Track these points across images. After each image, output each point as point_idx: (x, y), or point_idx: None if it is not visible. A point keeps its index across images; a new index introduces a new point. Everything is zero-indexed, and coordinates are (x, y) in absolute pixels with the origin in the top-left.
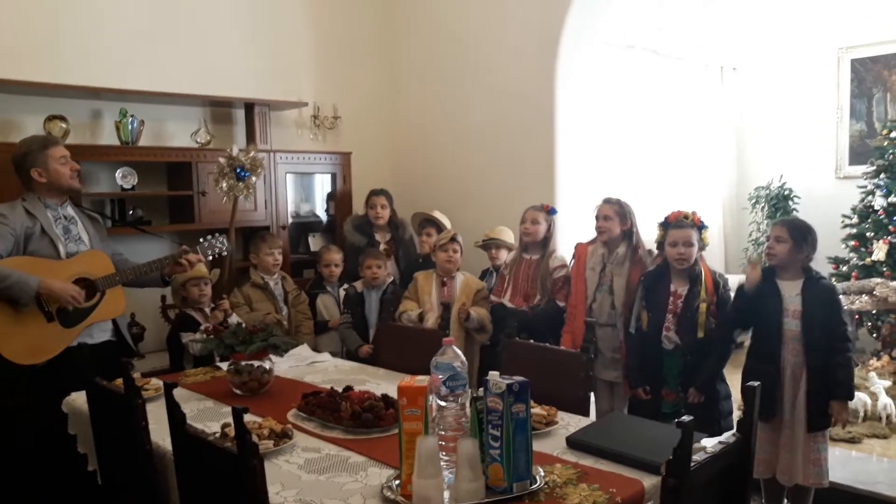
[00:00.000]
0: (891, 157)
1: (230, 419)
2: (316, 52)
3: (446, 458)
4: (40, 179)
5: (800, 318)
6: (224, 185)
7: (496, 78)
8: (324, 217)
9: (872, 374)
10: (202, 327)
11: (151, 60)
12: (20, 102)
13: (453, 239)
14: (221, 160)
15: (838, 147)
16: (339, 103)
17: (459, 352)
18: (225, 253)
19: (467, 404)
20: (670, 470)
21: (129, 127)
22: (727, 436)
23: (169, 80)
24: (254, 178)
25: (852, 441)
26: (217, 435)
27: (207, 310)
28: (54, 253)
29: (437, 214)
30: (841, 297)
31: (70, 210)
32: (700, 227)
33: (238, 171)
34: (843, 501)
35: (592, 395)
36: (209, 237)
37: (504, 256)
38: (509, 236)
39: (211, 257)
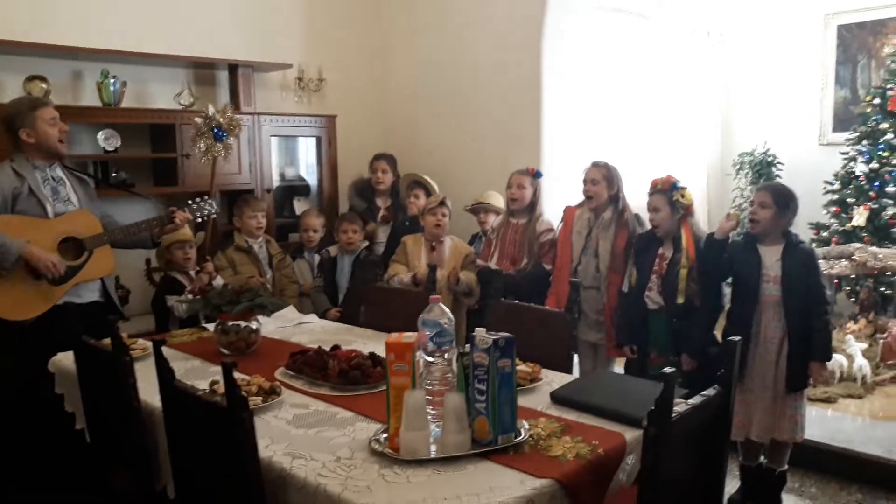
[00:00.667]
0: (873, 123)
1: (218, 377)
2: (301, 13)
3: (433, 412)
4: (28, 140)
5: (780, 284)
6: (202, 144)
7: (484, 41)
8: (313, 182)
9: (850, 336)
10: (187, 289)
11: (133, 20)
12: None
13: (442, 203)
14: (198, 120)
15: (822, 114)
16: (324, 66)
17: (446, 309)
18: (214, 216)
19: (454, 360)
20: (652, 419)
21: (111, 88)
22: (708, 390)
23: (151, 41)
24: (231, 139)
25: (828, 401)
26: (206, 391)
27: (192, 273)
28: (42, 213)
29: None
30: (821, 261)
31: (59, 171)
32: (671, 189)
33: (215, 130)
34: (818, 458)
35: (576, 356)
36: (198, 199)
37: (492, 220)
38: (498, 200)
39: (199, 219)
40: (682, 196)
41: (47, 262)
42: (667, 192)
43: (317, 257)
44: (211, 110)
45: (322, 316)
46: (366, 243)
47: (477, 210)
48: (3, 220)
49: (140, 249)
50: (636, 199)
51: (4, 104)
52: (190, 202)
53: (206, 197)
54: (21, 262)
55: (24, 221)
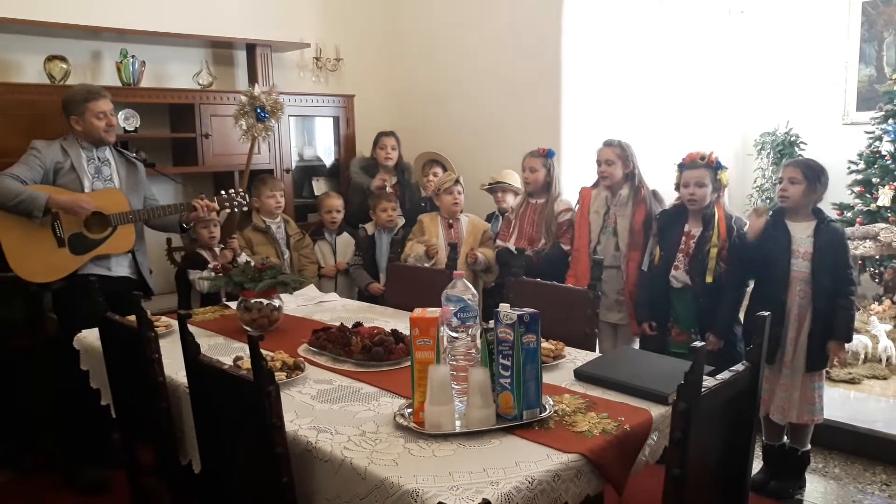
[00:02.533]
0: None
1: (241, 353)
2: None
3: (457, 387)
4: (77, 127)
5: (810, 260)
6: (244, 123)
7: (502, 18)
8: (330, 162)
9: (874, 317)
10: (210, 265)
11: (152, 0)
12: (20, 42)
13: (457, 181)
14: (243, 98)
15: (846, 92)
16: (341, 45)
17: (470, 284)
18: (245, 208)
19: (477, 336)
20: (681, 394)
21: (131, 68)
22: (737, 366)
23: (170, 21)
24: (273, 122)
25: (852, 382)
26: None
27: (217, 249)
28: (79, 188)
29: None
30: None
31: (107, 153)
32: (716, 167)
33: (259, 111)
34: (842, 438)
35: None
36: (231, 191)
37: (510, 200)
38: (515, 180)
39: (228, 210)
40: (724, 175)
41: (78, 203)
42: (713, 168)
43: (338, 239)
44: (257, 90)
45: (364, 289)
46: (402, 221)
47: (494, 189)
48: (41, 188)
49: (170, 232)
50: (654, 177)
51: (68, 87)
52: (222, 192)
53: (240, 190)
54: (47, 217)
55: (59, 192)
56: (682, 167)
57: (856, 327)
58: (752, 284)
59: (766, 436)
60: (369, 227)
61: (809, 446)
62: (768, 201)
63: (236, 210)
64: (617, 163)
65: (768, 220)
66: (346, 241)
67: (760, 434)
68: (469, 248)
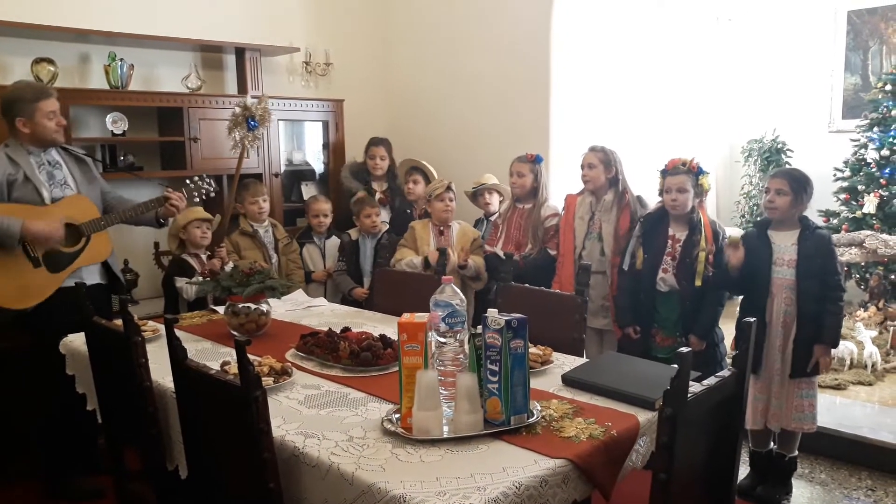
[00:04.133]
0: (884, 110)
1: (228, 358)
2: None
3: (445, 392)
4: (24, 130)
5: (794, 268)
6: (237, 134)
7: (491, 24)
8: (319, 167)
9: (859, 324)
10: (198, 272)
11: (141, 3)
12: (7, 44)
13: (448, 188)
14: (237, 109)
15: (832, 100)
16: (331, 49)
17: (458, 290)
18: (213, 194)
19: (465, 341)
20: (667, 399)
21: (119, 71)
22: (723, 371)
23: (159, 24)
24: (262, 129)
25: (838, 388)
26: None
27: (204, 256)
28: (38, 199)
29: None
30: None
31: (55, 154)
32: (697, 172)
33: (249, 120)
34: (828, 444)
35: None
36: (196, 178)
37: (495, 200)
38: (494, 180)
39: (197, 198)
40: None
41: (48, 232)
42: (694, 174)
43: (327, 243)
44: (250, 101)
45: (348, 294)
46: (386, 226)
47: (476, 194)
48: (1, 208)
49: (148, 229)
50: (641, 182)
51: (7, 88)
52: (188, 181)
53: (203, 175)
54: (21, 246)
55: (21, 209)
56: (664, 173)
57: (842, 333)
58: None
59: (753, 443)
60: (353, 233)
61: (797, 452)
62: (755, 208)
63: (206, 198)
64: (599, 167)
65: (744, 247)
66: (335, 245)
67: (747, 440)
68: (459, 251)
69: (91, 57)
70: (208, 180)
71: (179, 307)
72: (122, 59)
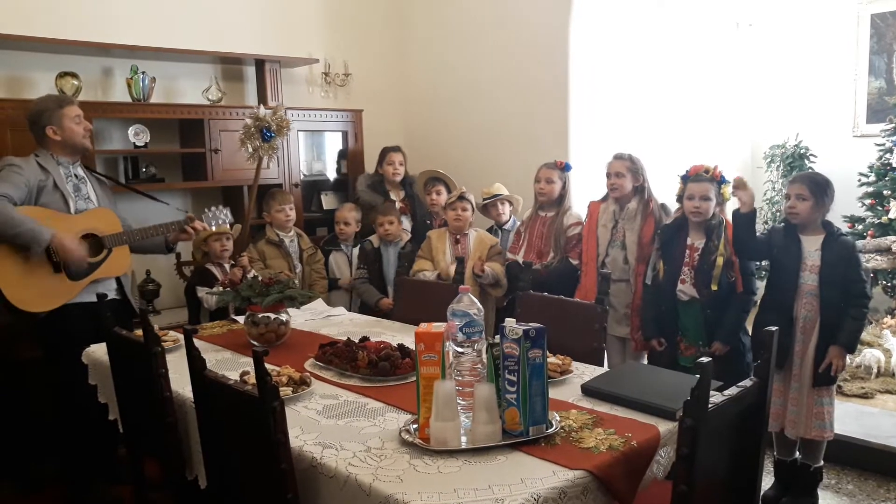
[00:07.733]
0: None
1: (248, 368)
2: (326, 7)
3: (463, 402)
4: (55, 137)
5: (818, 273)
6: (249, 146)
7: (509, 32)
8: (333, 176)
9: (886, 331)
10: (219, 282)
11: (162, 17)
12: (32, 59)
13: (462, 197)
14: (248, 121)
15: (856, 105)
16: (349, 60)
17: (475, 299)
18: (227, 225)
19: (483, 351)
20: (688, 410)
21: (141, 84)
22: (745, 381)
23: (180, 37)
24: (279, 140)
25: (865, 396)
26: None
27: (227, 266)
28: (64, 207)
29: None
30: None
31: (80, 170)
32: (720, 181)
33: (264, 131)
34: (855, 454)
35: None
36: (213, 208)
37: (507, 210)
38: (504, 190)
39: (213, 227)
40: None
41: (76, 254)
42: (718, 182)
43: (355, 251)
44: (262, 111)
45: (374, 306)
46: (408, 235)
47: (488, 206)
48: (28, 210)
49: (155, 254)
50: (663, 190)
51: (31, 101)
52: (206, 210)
53: (220, 206)
54: (44, 253)
55: (47, 214)
56: (685, 179)
57: (868, 341)
58: (761, 292)
59: (777, 451)
60: (374, 240)
61: (822, 462)
62: (778, 214)
63: (221, 225)
64: (627, 176)
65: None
66: None
67: (772, 449)
68: (475, 259)
69: (114, 70)
70: (225, 211)
71: (201, 317)
72: (143, 73)
